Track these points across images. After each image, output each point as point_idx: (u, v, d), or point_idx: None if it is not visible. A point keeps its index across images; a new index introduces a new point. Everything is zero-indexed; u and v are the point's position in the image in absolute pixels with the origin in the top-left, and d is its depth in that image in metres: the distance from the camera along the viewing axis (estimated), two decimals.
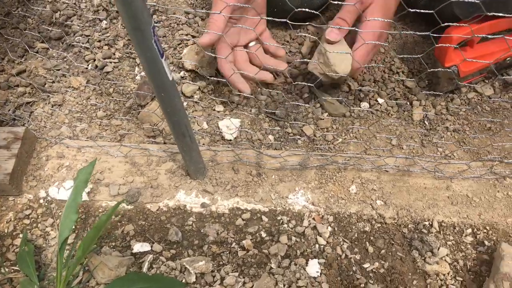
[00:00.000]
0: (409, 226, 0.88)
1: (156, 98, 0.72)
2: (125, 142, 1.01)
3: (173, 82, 0.69)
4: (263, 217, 0.90)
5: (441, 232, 0.87)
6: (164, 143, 1.01)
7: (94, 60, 1.13)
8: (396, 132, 1.00)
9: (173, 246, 0.87)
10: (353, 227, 0.88)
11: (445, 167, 0.94)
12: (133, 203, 0.93)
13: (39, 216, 0.93)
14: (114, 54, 1.13)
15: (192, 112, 1.04)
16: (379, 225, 0.89)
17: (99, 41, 1.14)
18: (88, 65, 1.12)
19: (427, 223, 0.88)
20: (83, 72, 1.11)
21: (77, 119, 1.05)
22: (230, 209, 0.92)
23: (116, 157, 0.99)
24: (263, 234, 0.88)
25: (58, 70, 1.12)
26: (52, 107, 1.07)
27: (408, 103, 1.03)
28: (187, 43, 1.12)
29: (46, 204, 0.95)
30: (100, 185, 0.96)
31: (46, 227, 0.92)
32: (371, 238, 0.87)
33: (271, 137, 1.00)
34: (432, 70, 0.78)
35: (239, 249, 0.86)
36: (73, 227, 0.83)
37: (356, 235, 0.87)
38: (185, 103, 1.05)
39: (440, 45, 0.83)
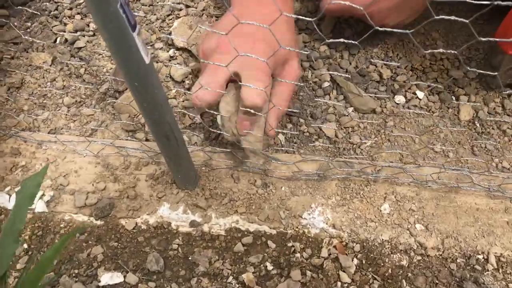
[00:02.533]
0: (458, 260, 0.68)
1: (128, 89, 0.51)
2: (97, 138, 0.80)
3: (151, 67, 0.48)
4: (269, 242, 0.70)
5: (500, 269, 0.67)
6: (146, 139, 0.80)
7: (64, 32, 0.91)
8: (439, 135, 0.79)
9: (153, 277, 0.67)
10: (386, 260, 0.68)
11: (503, 182, 0.73)
12: (103, 218, 0.73)
13: None
14: (88, 25, 0.91)
15: (183, 101, 0.82)
16: (419, 257, 0.69)
17: (70, 9, 0.92)
18: (56, 39, 0.91)
19: (481, 256, 0.68)
20: (49, 47, 0.89)
21: (39, 106, 0.84)
22: (227, 230, 0.71)
23: (84, 157, 0.79)
24: (269, 266, 0.68)
25: (18, 43, 0.90)
26: (8, 90, 0.86)
27: (454, 98, 0.82)
28: (178, 14, 0.89)
29: None
30: (63, 192, 0.76)
31: None
32: (409, 275, 0.67)
33: (281, 136, 0.79)
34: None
35: (237, 286, 0.66)
36: (11, 261, 0.63)
37: (389, 271, 0.67)
38: (173, 90, 0.83)
39: None
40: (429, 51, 0.46)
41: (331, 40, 0.46)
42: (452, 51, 0.43)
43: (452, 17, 0.43)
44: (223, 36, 0.62)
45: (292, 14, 0.62)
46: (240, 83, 0.62)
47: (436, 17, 0.43)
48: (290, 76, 0.69)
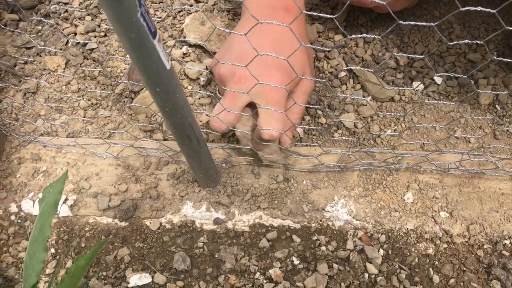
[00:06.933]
0: (484, 246, 0.68)
1: (150, 95, 0.51)
2: (115, 139, 0.81)
3: (172, 72, 0.48)
4: (294, 237, 0.70)
5: None
6: (165, 139, 0.80)
7: (75, 34, 0.90)
8: (460, 121, 0.78)
9: (180, 276, 0.68)
10: (412, 249, 0.68)
11: None
12: (128, 219, 0.74)
13: (10, 238, 0.74)
14: (99, 26, 0.90)
15: (199, 99, 0.82)
16: (445, 245, 0.68)
17: (80, 10, 0.92)
18: (68, 41, 0.90)
19: (508, 242, 0.68)
20: (61, 50, 0.89)
21: (56, 110, 0.84)
22: (251, 226, 0.72)
23: (105, 159, 0.79)
24: (295, 261, 0.68)
25: (31, 48, 0.90)
26: (25, 95, 0.86)
27: (472, 81, 0.81)
28: (189, 11, 0.89)
29: (18, 221, 0.75)
30: (85, 196, 0.76)
31: (20, 252, 0.73)
32: (436, 263, 0.67)
33: (299, 129, 0.78)
34: None
35: (265, 281, 0.67)
36: (42, 268, 0.64)
37: (416, 260, 0.67)
38: (189, 87, 0.83)
39: None
40: (454, 42, 0.45)
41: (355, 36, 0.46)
42: (479, 42, 0.43)
43: (479, 8, 0.42)
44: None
45: (305, 30, 0.63)
46: (257, 109, 0.65)
47: (461, 9, 0.42)
48: (303, 91, 0.69)
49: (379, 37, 0.43)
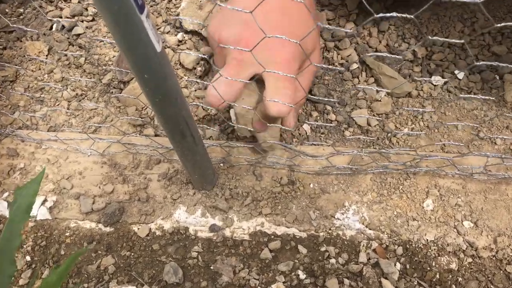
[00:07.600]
0: None
1: (137, 83, 0.43)
2: (101, 135, 0.73)
3: (163, 55, 0.40)
4: (300, 247, 0.62)
5: None
6: (156, 135, 0.72)
7: (60, 17, 0.82)
8: (484, 120, 0.70)
9: None
10: (433, 264, 0.61)
11: None
12: (113, 224, 0.66)
13: None
14: (86, 9, 0.82)
15: (195, 91, 0.74)
16: (469, 259, 0.61)
17: None
18: (52, 25, 0.82)
19: None
20: (44, 35, 0.81)
21: (36, 101, 0.76)
22: (252, 234, 0.64)
23: (89, 156, 0.71)
24: (301, 275, 0.60)
25: (11, 32, 0.82)
26: (2, 84, 0.78)
27: (498, 76, 0.73)
28: None
29: None
30: (67, 197, 0.68)
31: None
32: (459, 279, 0.60)
33: (306, 126, 0.71)
34: None
35: None
36: (11, 282, 0.56)
37: (437, 276, 0.60)
38: (185, 78, 0.75)
39: None
40: (496, 25, 0.37)
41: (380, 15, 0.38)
42: None
43: None
44: (245, 29, 0.53)
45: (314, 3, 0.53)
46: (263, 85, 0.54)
47: None
48: (309, 69, 0.59)
49: (412, 16, 0.35)
